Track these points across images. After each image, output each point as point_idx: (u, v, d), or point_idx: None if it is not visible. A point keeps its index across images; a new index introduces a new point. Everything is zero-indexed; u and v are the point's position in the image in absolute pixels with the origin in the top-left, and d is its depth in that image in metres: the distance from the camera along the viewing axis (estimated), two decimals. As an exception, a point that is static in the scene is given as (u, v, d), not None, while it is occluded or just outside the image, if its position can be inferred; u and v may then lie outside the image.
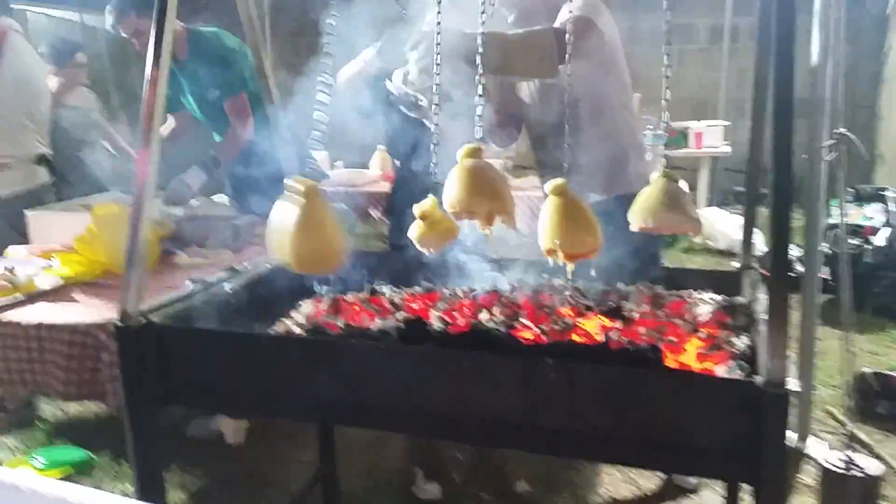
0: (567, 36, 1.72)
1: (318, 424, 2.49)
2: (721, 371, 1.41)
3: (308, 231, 1.56)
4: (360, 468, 2.75)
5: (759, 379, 1.22)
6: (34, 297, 2.24)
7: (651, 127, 5.53)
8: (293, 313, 1.88)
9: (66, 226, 2.74)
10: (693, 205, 1.58)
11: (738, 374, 1.37)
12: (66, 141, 3.78)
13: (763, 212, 2.03)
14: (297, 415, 1.90)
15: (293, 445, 2.92)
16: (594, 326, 1.69)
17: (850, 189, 4.83)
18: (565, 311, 1.79)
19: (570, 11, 1.74)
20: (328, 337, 1.58)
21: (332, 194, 4.53)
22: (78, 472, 2.72)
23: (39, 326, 2.04)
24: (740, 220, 1.95)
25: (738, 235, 1.97)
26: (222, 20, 3.20)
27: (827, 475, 2.26)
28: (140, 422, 1.67)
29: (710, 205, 6.60)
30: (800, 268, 2.98)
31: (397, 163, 2.90)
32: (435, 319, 1.72)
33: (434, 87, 1.51)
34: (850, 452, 2.24)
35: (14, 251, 2.73)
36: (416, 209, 1.55)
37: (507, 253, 2.09)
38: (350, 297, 1.91)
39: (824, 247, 4.05)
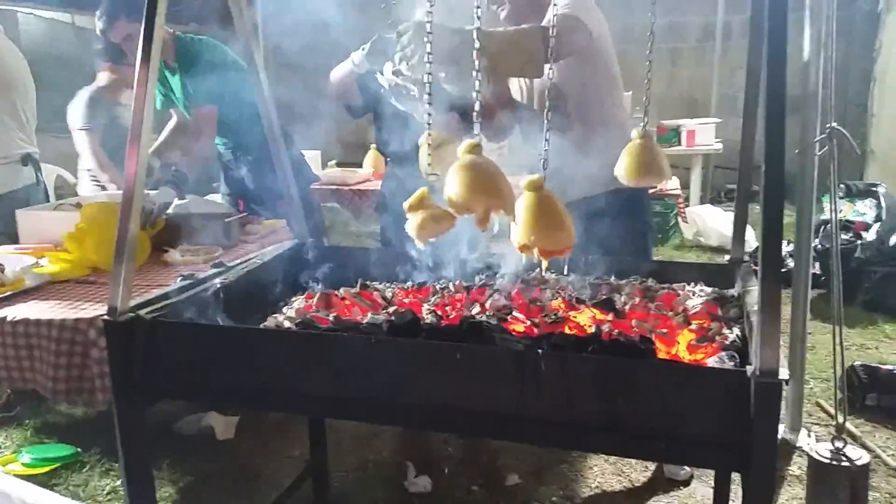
0: (553, 33, 1.72)
1: (309, 419, 2.48)
2: (712, 362, 1.41)
3: None
4: (351, 462, 2.75)
5: (750, 369, 1.22)
6: (23, 294, 2.23)
7: (643, 124, 5.53)
8: (284, 308, 1.88)
9: (55, 224, 2.72)
10: (664, 158, 1.75)
11: (729, 365, 1.37)
12: (123, 139, 3.72)
13: (755, 209, 2.04)
14: (287, 408, 1.90)
15: (283, 440, 2.91)
16: (586, 319, 1.69)
17: (841, 185, 4.85)
18: (557, 304, 1.79)
19: (555, 5, 1.73)
20: (319, 331, 1.57)
21: (324, 193, 4.53)
22: (66, 469, 2.71)
23: (27, 323, 2.03)
24: (732, 216, 1.96)
25: (730, 232, 1.98)
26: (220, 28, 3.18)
27: (815, 466, 2.26)
28: (129, 417, 1.66)
29: (702, 202, 6.62)
30: (791, 263, 2.99)
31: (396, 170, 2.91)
32: (426, 313, 1.72)
33: (426, 77, 1.50)
34: (838, 444, 2.25)
35: (3, 249, 2.71)
36: (407, 202, 1.54)
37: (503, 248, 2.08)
38: (341, 291, 1.90)
39: (815, 242, 4.08)
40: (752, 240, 3.99)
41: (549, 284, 1.90)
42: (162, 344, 1.61)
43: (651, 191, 3.81)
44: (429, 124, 1.54)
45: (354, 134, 6.59)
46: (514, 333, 1.55)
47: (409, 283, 1.99)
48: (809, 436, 2.79)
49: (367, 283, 1.99)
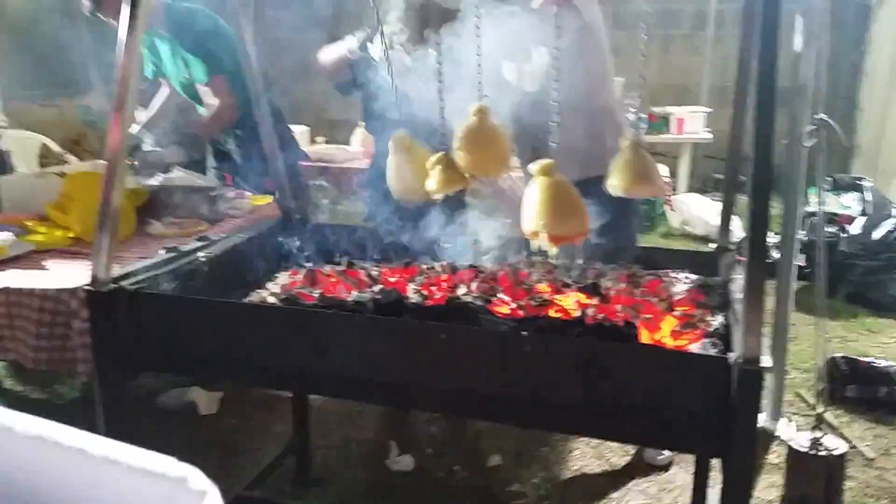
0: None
1: (293, 396, 2.48)
2: (695, 348, 1.42)
3: None
4: (334, 440, 2.75)
5: (732, 356, 1.23)
6: (4, 263, 2.20)
7: (633, 111, 5.53)
8: (269, 284, 1.87)
9: (39, 192, 2.68)
10: (657, 171, 1.65)
11: (712, 352, 1.38)
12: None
13: (742, 199, 2.04)
14: (270, 384, 1.90)
15: (267, 417, 2.91)
16: (571, 303, 1.69)
17: (827, 178, 4.88)
18: (543, 287, 1.79)
19: None
20: (303, 307, 1.56)
21: (312, 170, 4.50)
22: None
23: (8, 291, 2.00)
24: (719, 206, 1.96)
25: (717, 221, 1.98)
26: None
27: (794, 455, 2.29)
28: (111, 389, 1.66)
29: (689, 191, 6.63)
30: (776, 254, 3.01)
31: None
32: (412, 293, 1.72)
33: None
34: (817, 434, 2.28)
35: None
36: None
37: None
38: (327, 269, 1.89)
39: (801, 234, 4.10)
40: (737, 230, 4.02)
41: (535, 267, 1.90)
42: (144, 315, 1.60)
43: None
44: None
45: (344, 111, 6.54)
46: (498, 315, 1.55)
47: (396, 263, 1.98)
48: (789, 425, 2.82)
49: (353, 261, 1.98)
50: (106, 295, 1.57)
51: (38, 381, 3.18)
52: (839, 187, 4.90)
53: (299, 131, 4.62)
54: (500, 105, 2.51)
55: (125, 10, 1.58)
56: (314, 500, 2.47)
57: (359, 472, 2.56)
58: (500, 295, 1.71)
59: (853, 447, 2.68)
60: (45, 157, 5.28)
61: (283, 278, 1.88)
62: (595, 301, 1.70)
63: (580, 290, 1.75)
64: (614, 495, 2.46)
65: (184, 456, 0.63)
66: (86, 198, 2.40)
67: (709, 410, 1.24)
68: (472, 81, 1.69)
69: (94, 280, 1.57)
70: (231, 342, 1.55)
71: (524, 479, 2.52)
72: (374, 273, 1.91)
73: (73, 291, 1.98)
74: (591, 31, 2.51)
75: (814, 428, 2.30)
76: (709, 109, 6.60)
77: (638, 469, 2.59)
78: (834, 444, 2.27)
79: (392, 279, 1.88)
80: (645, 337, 1.51)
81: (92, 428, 1.61)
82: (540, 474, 2.55)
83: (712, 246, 1.95)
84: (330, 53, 2.67)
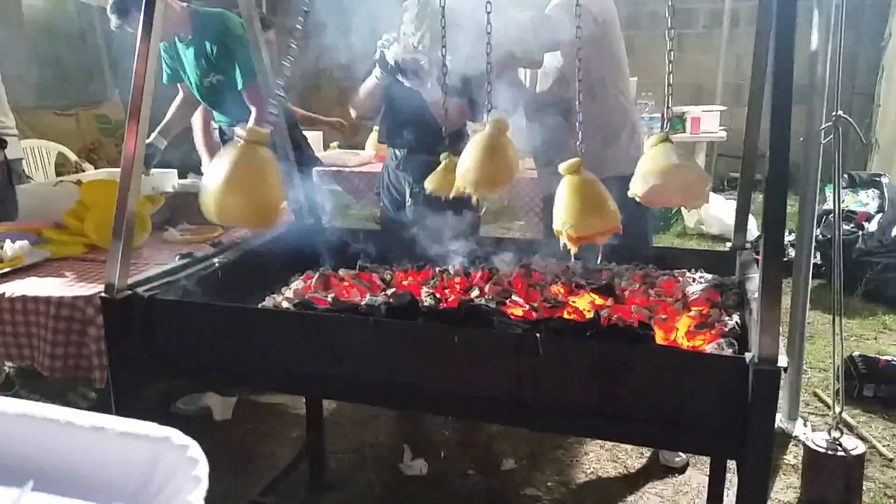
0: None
1: (306, 400, 2.49)
2: (711, 349, 1.40)
3: (239, 181, 1.45)
4: (348, 444, 2.75)
5: (749, 356, 1.21)
6: (21, 271, 2.22)
7: (648, 111, 5.52)
8: (283, 288, 1.87)
9: (56, 200, 2.71)
10: (702, 174, 1.49)
11: (727, 352, 1.37)
12: None
13: (757, 197, 2.02)
14: (283, 388, 1.90)
15: (281, 422, 2.92)
16: (585, 304, 1.69)
17: (844, 175, 4.83)
18: (556, 288, 1.78)
19: None
20: (316, 311, 1.56)
21: (325, 174, 4.52)
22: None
23: (24, 299, 2.03)
24: (734, 205, 1.94)
25: (732, 220, 1.96)
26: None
27: (811, 455, 2.27)
28: (126, 395, 1.66)
29: (704, 190, 6.59)
30: (792, 252, 2.98)
31: (397, 153, 2.92)
32: (425, 296, 1.72)
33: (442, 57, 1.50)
34: (835, 434, 2.25)
35: (3, 226, 2.69)
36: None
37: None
38: (340, 273, 1.90)
39: (817, 232, 4.06)
40: (753, 228, 3.99)
41: (549, 269, 1.89)
42: (159, 322, 1.61)
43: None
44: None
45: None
46: (512, 317, 1.55)
47: (409, 266, 1.98)
48: (806, 425, 2.79)
49: (366, 264, 1.98)
50: (120, 302, 1.58)
51: (53, 389, 3.20)
52: (856, 184, 4.84)
53: (313, 136, 4.63)
54: (514, 105, 2.53)
55: (141, 20, 1.59)
56: (328, 505, 2.47)
57: (372, 477, 2.56)
58: (514, 297, 1.71)
59: (871, 447, 2.65)
60: (62, 165, 5.34)
61: (296, 282, 1.88)
62: (609, 302, 1.70)
63: (594, 290, 1.75)
64: (629, 498, 2.44)
65: None
66: (101, 205, 2.42)
67: (724, 411, 1.23)
68: (483, 82, 1.69)
69: (109, 288, 1.58)
70: (245, 347, 1.56)
71: (538, 483, 2.51)
72: (387, 276, 1.91)
73: (88, 299, 2.00)
74: (606, 33, 2.51)
75: (831, 428, 2.27)
76: (723, 108, 6.56)
77: (653, 471, 2.57)
78: (852, 445, 2.24)
79: (405, 282, 1.88)
80: (660, 338, 1.50)
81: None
82: (554, 477, 2.54)
83: (728, 245, 1.93)
84: (364, 89, 2.70)
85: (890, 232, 4.28)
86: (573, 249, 1.51)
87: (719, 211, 5.70)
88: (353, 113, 2.91)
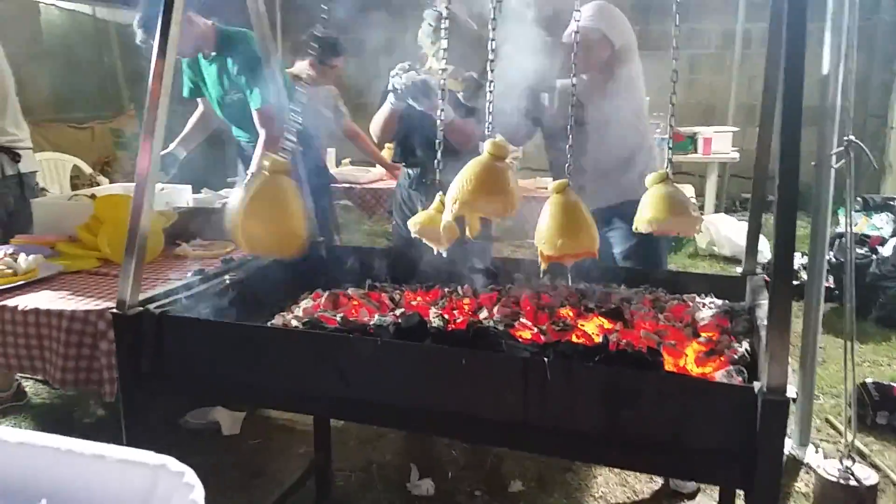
0: (575, 46, 1.70)
1: (314, 418, 2.49)
2: (720, 376, 1.40)
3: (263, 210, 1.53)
4: (355, 462, 2.75)
5: (757, 385, 1.21)
6: (34, 284, 2.24)
7: (658, 131, 5.51)
8: (293, 306, 1.88)
9: (70, 214, 2.74)
10: (692, 204, 1.59)
11: (736, 380, 1.36)
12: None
13: (769, 220, 2.02)
14: (291, 407, 1.90)
15: (289, 438, 2.92)
16: (594, 328, 1.68)
17: (858, 198, 4.81)
18: (565, 311, 1.78)
19: (577, 21, 1.70)
20: (325, 331, 1.57)
21: (337, 191, 4.54)
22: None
23: (37, 312, 2.04)
24: (746, 226, 1.93)
25: (744, 242, 1.96)
26: (236, 18, 3.19)
27: (822, 484, 2.24)
28: (135, 410, 1.68)
29: (717, 211, 6.57)
30: (805, 276, 2.96)
31: (411, 172, 2.95)
32: (434, 317, 1.72)
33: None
34: (847, 462, 2.22)
35: (19, 238, 2.72)
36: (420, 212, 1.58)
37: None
38: (350, 291, 1.90)
39: (830, 255, 4.04)
40: (766, 251, 3.97)
41: (558, 291, 1.89)
42: (169, 338, 1.61)
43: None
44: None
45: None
46: (520, 340, 1.55)
47: (418, 286, 1.98)
48: (817, 452, 2.76)
49: (376, 283, 1.99)
50: (131, 318, 1.59)
51: (67, 398, 3.22)
52: (870, 207, 4.82)
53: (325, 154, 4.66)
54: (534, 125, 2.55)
55: (157, 39, 1.61)
56: (335, 523, 2.47)
57: (379, 496, 2.55)
58: (523, 319, 1.71)
59: (885, 477, 2.61)
60: (77, 178, 5.39)
61: (306, 301, 1.89)
62: (618, 326, 1.69)
63: (603, 314, 1.74)
64: (639, 523, 2.42)
65: (206, 476, 0.68)
66: (115, 220, 2.45)
67: (732, 441, 1.22)
68: (501, 107, 1.70)
69: (121, 304, 1.60)
70: (254, 365, 1.56)
71: (546, 505, 2.50)
72: (396, 296, 1.91)
73: (100, 313, 2.02)
74: (622, 59, 2.52)
75: (843, 456, 2.25)
76: (735, 129, 6.55)
77: (663, 497, 2.55)
78: (864, 474, 2.22)
79: (414, 302, 1.88)
80: (669, 364, 1.49)
81: (118, 442, 1.65)
82: (562, 501, 2.52)
83: (739, 270, 1.92)
84: (380, 116, 2.73)
85: (904, 256, 4.25)
86: (543, 266, 1.53)
87: (731, 232, 5.68)
88: (374, 137, 2.95)
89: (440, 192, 1.61)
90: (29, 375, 2.19)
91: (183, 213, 2.89)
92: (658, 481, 2.62)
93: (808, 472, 2.64)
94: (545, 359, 1.34)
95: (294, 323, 1.69)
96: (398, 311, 1.76)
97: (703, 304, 1.79)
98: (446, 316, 1.73)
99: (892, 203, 4.73)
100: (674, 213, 1.51)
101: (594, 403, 1.32)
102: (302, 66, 4.27)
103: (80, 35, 7.45)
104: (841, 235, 4.23)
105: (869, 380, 3.12)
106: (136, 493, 0.65)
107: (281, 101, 2.19)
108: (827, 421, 3.08)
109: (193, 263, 2.45)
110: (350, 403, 1.51)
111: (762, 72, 1.80)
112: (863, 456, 2.71)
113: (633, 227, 1.58)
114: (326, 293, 1.88)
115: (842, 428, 2.92)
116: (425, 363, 1.45)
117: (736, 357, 1.47)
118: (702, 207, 6.41)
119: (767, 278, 1.54)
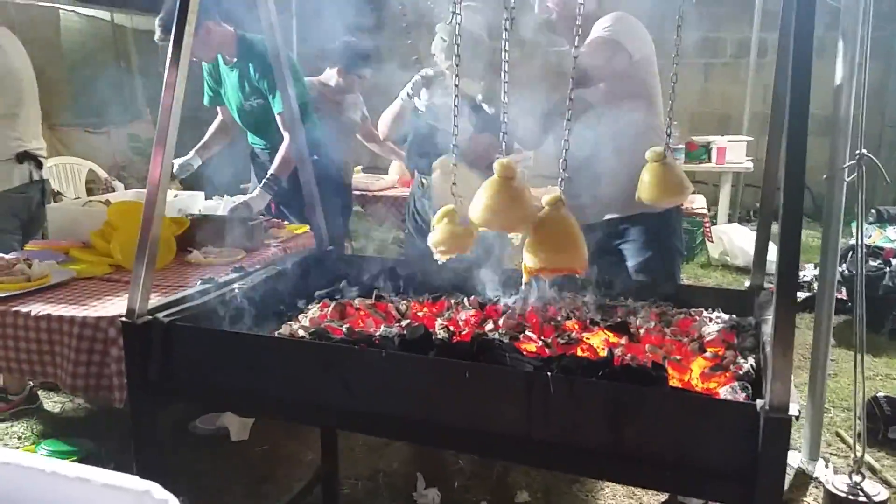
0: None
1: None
2: (724, 392, 1.39)
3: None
4: (362, 470, 2.76)
5: (760, 402, 1.20)
6: (47, 290, 2.27)
7: (673, 140, 5.50)
8: (300, 316, 1.89)
9: (84, 220, 2.77)
10: (684, 177, 1.77)
11: (740, 396, 1.36)
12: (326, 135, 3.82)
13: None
14: (297, 417, 1.91)
15: (297, 444, 2.93)
16: (599, 342, 1.68)
17: (872, 210, 4.77)
18: (571, 324, 1.78)
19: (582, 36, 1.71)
20: (330, 342, 1.58)
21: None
22: (82, 463, 2.74)
23: (49, 318, 2.07)
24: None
25: (757, 254, 1.95)
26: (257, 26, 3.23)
27: (831, 499, 2.23)
28: (143, 416, 1.70)
29: (730, 221, 6.54)
30: (816, 286, 2.94)
31: (424, 180, 2.98)
32: (439, 328, 1.73)
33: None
34: (856, 478, 2.21)
35: (32, 244, 2.76)
36: (435, 217, 1.58)
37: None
38: (357, 302, 1.91)
39: (843, 268, 4.01)
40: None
41: (564, 304, 1.89)
42: (177, 347, 1.63)
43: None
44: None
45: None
46: (525, 353, 1.55)
47: (425, 296, 1.99)
48: (827, 467, 2.73)
49: (383, 294, 2.00)
50: (140, 327, 1.61)
51: (79, 401, 3.25)
52: (884, 219, 4.78)
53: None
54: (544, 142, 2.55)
55: (170, 49, 1.64)
56: (341, 532, 2.47)
57: (386, 504, 2.56)
58: (528, 332, 1.71)
59: (895, 493, 2.59)
60: (92, 182, 5.45)
61: (313, 310, 1.90)
62: (624, 340, 1.69)
63: (609, 328, 1.74)
64: (645, 535, 2.41)
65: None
66: (128, 226, 2.47)
67: (734, 458, 1.21)
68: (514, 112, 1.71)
69: (130, 312, 1.62)
70: (260, 375, 1.57)
71: (553, 516, 2.49)
72: (403, 307, 1.92)
73: (111, 320, 2.04)
74: (640, 70, 2.51)
75: (853, 471, 2.23)
76: (750, 138, 6.52)
77: (671, 509, 2.54)
78: (874, 490, 2.20)
79: (420, 313, 1.89)
80: (674, 379, 1.49)
81: (127, 448, 1.68)
82: (569, 512, 2.52)
83: (746, 283, 1.92)
84: (388, 113, 2.76)
85: (918, 269, 4.21)
86: (525, 278, 1.52)
87: (744, 242, 5.65)
88: (380, 133, 2.97)
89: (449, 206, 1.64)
90: (40, 381, 2.22)
91: (195, 220, 2.92)
92: (665, 493, 2.61)
93: (817, 487, 2.62)
94: (548, 373, 1.35)
95: (301, 332, 1.70)
96: (404, 323, 1.77)
97: (710, 319, 1.78)
98: (451, 328, 1.74)
99: (906, 215, 4.69)
100: (668, 191, 1.72)
101: (597, 418, 1.32)
102: (330, 74, 4.31)
103: (98, 40, 7.55)
104: (854, 248, 4.20)
105: (881, 394, 3.09)
106: None
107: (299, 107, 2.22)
108: (838, 435, 3.05)
109: (204, 270, 2.48)
110: (354, 415, 1.52)
111: (777, 81, 1.79)
112: (873, 471, 2.68)
113: (636, 197, 1.74)
114: (333, 303, 1.89)
115: (852, 442, 2.90)
116: (429, 375, 1.45)
117: (741, 373, 1.47)
118: (715, 217, 6.38)
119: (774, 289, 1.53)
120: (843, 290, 3.99)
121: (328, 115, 4.07)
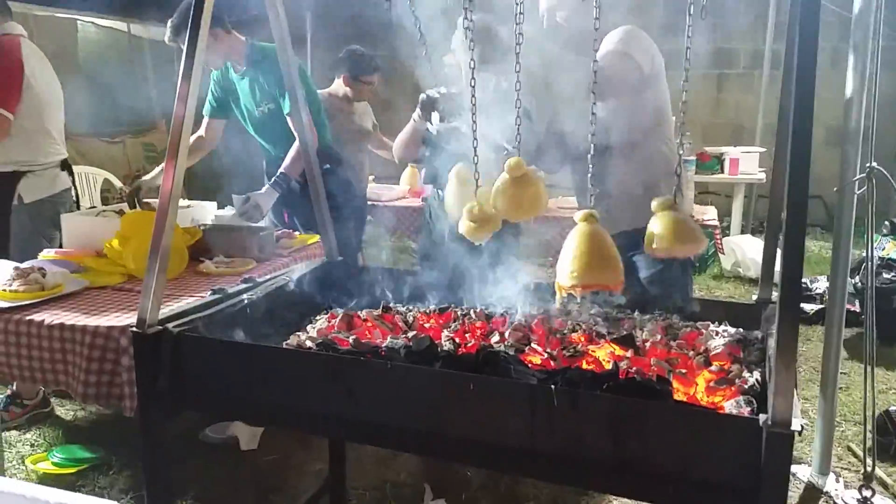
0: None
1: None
2: (729, 406, 1.39)
3: None
4: (370, 481, 2.76)
5: (763, 417, 1.20)
6: (60, 299, 2.30)
7: (681, 152, 5.49)
8: (308, 326, 1.91)
9: (98, 230, 2.80)
10: (697, 228, 1.66)
11: (745, 411, 1.36)
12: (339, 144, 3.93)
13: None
14: (304, 427, 1.93)
15: (305, 454, 2.94)
16: (604, 354, 1.68)
17: (886, 222, 4.73)
18: (577, 336, 1.79)
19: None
20: (337, 353, 1.59)
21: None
22: (93, 470, 2.78)
23: (62, 327, 2.10)
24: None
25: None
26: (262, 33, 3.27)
27: (842, 515, 2.21)
28: (153, 426, 1.72)
29: (742, 232, 6.51)
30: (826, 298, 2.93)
31: (440, 192, 3.01)
32: (445, 340, 1.73)
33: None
34: (867, 493, 2.19)
35: (45, 253, 2.79)
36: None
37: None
38: (364, 313, 1.93)
39: (856, 280, 3.98)
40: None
41: (571, 316, 1.89)
42: (187, 357, 1.65)
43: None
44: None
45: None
46: (530, 365, 1.55)
47: (433, 308, 2.00)
48: (838, 481, 2.71)
49: (390, 305, 2.01)
50: (151, 337, 1.63)
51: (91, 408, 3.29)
52: (898, 231, 4.74)
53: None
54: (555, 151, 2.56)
55: (182, 63, 1.66)
56: (349, 542, 2.48)
57: (393, 515, 2.57)
58: (534, 344, 1.72)
59: (907, 508, 2.57)
60: (107, 191, 5.52)
61: (321, 321, 1.92)
62: (629, 353, 1.69)
63: (615, 341, 1.74)
64: (653, 548, 2.39)
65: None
66: (140, 237, 2.50)
67: (737, 473, 1.22)
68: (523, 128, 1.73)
69: (141, 322, 1.64)
70: (269, 385, 1.59)
71: (561, 528, 2.49)
72: (410, 318, 1.93)
73: (122, 329, 2.06)
74: (651, 84, 2.51)
75: (863, 486, 2.22)
76: (763, 149, 6.49)
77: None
78: (885, 505, 2.18)
79: (427, 325, 1.90)
80: (679, 392, 1.49)
81: (138, 456, 1.70)
82: (577, 523, 2.51)
83: (754, 297, 1.91)
84: (404, 135, 2.79)
85: (932, 281, 4.17)
86: (559, 296, 1.54)
87: (756, 253, 5.61)
88: (395, 157, 3.00)
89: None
90: (52, 389, 2.25)
91: (207, 230, 2.95)
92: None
93: (827, 502, 2.60)
94: (552, 386, 1.35)
95: (308, 343, 1.72)
96: (410, 334, 1.78)
97: (717, 332, 1.78)
98: (457, 339, 1.75)
99: (921, 227, 4.65)
100: (678, 239, 1.58)
101: (601, 432, 1.33)
102: (338, 84, 4.34)
103: (114, 51, 7.64)
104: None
105: (893, 408, 3.06)
106: None
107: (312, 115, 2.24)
108: (849, 449, 3.03)
109: (215, 280, 2.50)
110: (360, 425, 1.53)
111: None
112: (884, 486, 2.66)
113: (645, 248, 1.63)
114: (341, 314, 1.91)
115: (862, 456, 2.87)
116: (434, 387, 1.46)
117: (746, 387, 1.47)
118: (728, 228, 6.36)
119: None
120: (857, 302, 3.96)
121: (340, 125, 4.11)
